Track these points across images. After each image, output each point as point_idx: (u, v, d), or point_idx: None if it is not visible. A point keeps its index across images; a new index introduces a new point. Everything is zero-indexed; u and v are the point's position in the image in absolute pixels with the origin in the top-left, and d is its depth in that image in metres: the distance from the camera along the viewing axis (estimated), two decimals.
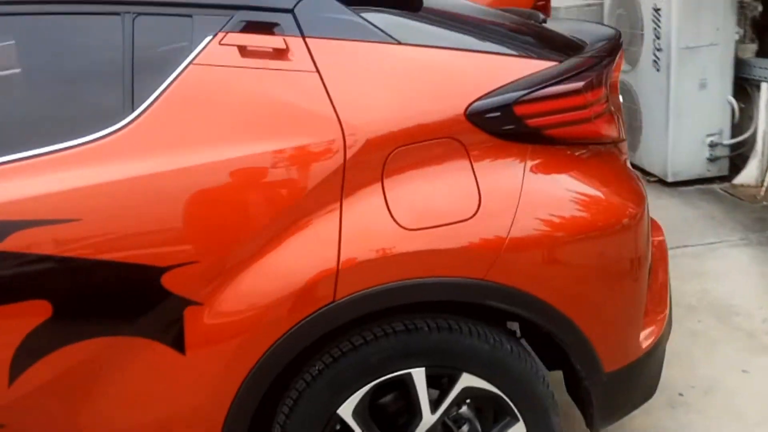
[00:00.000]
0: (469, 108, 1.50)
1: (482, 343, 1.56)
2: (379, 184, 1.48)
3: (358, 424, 1.54)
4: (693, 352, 2.65)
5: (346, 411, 1.53)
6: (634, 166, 4.65)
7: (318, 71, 1.48)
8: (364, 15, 1.56)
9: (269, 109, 1.48)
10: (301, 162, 1.46)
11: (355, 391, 1.53)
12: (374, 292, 1.46)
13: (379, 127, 1.48)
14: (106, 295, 1.44)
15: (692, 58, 4.19)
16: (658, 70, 4.33)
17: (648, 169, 4.56)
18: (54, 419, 1.51)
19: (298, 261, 1.45)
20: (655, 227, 2.11)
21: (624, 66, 4.56)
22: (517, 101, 1.51)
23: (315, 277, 1.44)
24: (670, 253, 3.39)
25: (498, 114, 1.51)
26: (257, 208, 1.47)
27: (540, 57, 1.63)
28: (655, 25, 4.29)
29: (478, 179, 1.52)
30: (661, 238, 2.13)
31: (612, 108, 1.70)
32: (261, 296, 1.44)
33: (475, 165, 1.52)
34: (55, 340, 1.42)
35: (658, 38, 4.28)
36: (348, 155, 1.45)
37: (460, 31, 1.75)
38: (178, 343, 1.44)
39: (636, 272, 1.68)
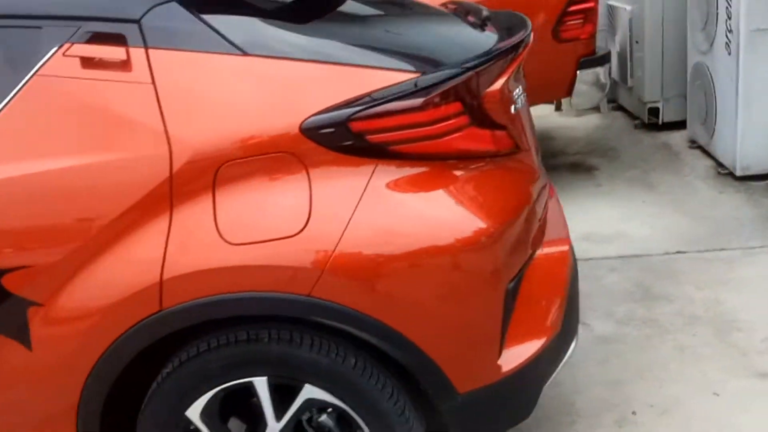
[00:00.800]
0: (304, 123, 1.53)
1: (323, 356, 1.64)
2: (210, 197, 1.55)
3: (206, 426, 1.70)
4: (670, 368, 2.52)
5: (193, 413, 1.69)
6: (709, 156, 4.32)
7: (153, 83, 1.54)
8: (216, 25, 1.59)
9: (104, 121, 1.56)
10: (129, 174, 1.54)
11: (200, 395, 1.67)
12: (198, 304, 1.56)
13: (208, 140, 1.53)
14: None
15: (764, 41, 3.80)
16: (729, 53, 3.97)
17: (721, 160, 4.21)
18: None
19: (125, 271, 1.56)
20: (560, 239, 2.03)
21: (702, 46, 4.27)
22: (352, 117, 1.53)
23: (140, 287, 1.56)
24: (702, 256, 3.24)
25: (333, 130, 1.54)
26: (86, 217, 1.57)
27: (397, 69, 1.60)
28: (727, 4, 3.92)
29: (312, 195, 1.55)
30: (563, 248, 2.03)
31: (485, 121, 1.67)
32: (93, 302, 1.58)
33: (312, 180, 1.56)
34: None
35: (729, 18, 3.92)
36: (174, 168, 1.52)
37: (329, 39, 1.73)
38: (25, 340, 1.61)
39: (486, 293, 1.66)
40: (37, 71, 1.58)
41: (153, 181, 1.54)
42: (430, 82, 1.57)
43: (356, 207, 1.56)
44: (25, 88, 1.58)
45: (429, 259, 1.59)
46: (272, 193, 1.57)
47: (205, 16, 1.61)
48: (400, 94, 1.55)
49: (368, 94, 1.56)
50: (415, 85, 1.56)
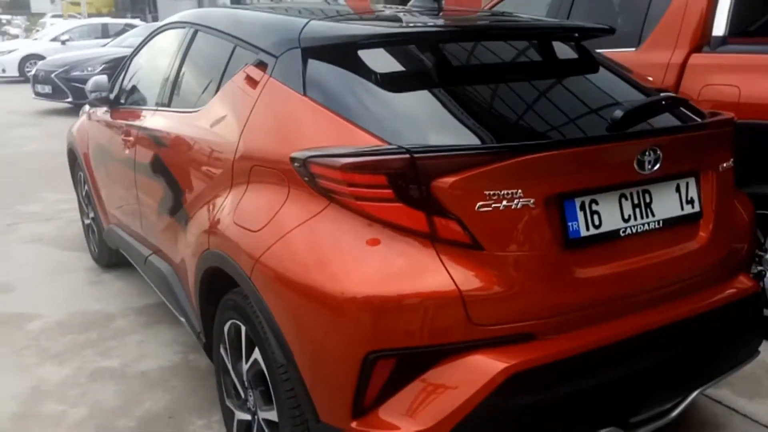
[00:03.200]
0: (292, 154, 2.00)
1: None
2: (244, 187, 2.19)
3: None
4: None
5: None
6: None
7: (256, 100, 2.24)
8: (309, 71, 2.12)
9: (229, 115, 2.39)
10: (220, 151, 2.38)
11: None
12: (226, 257, 2.22)
13: (252, 148, 2.19)
14: None
15: None
16: None
17: None
18: None
19: (208, 211, 2.40)
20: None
21: None
22: (309, 160, 1.88)
23: (206, 227, 2.38)
24: None
25: (299, 165, 1.94)
26: (210, 167, 2.44)
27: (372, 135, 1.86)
28: None
29: (281, 208, 2.03)
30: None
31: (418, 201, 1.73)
32: (200, 218, 2.46)
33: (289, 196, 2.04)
34: None
35: None
36: (235, 157, 2.25)
37: (364, 103, 2.04)
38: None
39: (341, 350, 1.77)
40: (231, 78, 2.45)
41: (227, 163, 2.29)
42: (365, 151, 1.78)
43: (297, 227, 1.91)
44: (223, 87, 2.50)
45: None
46: (263, 196, 2.08)
47: (309, 62, 2.10)
48: (340, 154, 1.80)
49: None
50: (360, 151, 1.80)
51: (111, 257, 4.36)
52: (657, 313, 1.96)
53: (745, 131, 2.56)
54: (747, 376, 2.89)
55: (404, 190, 1.73)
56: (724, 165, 2.15)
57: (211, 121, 2.49)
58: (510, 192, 1.73)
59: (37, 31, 24.42)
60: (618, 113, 1.92)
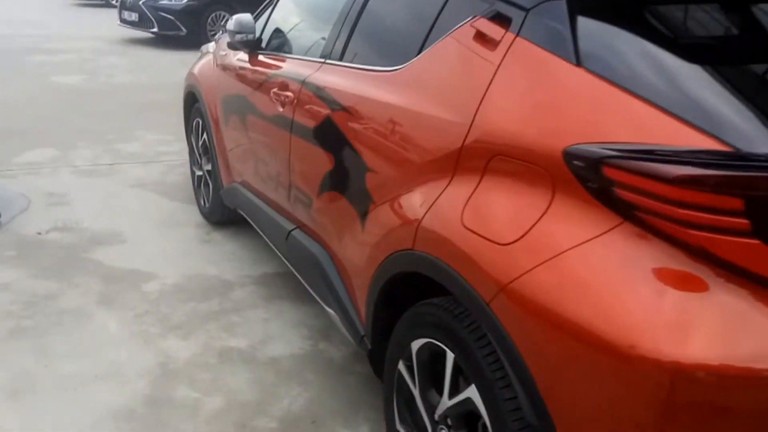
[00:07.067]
0: (567, 149, 1.46)
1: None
2: (477, 180, 1.70)
3: (417, 365, 1.98)
4: None
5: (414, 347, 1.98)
6: None
7: (498, 66, 1.68)
8: (579, 30, 1.55)
9: (449, 81, 1.88)
10: (438, 131, 1.83)
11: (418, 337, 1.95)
12: (424, 258, 1.88)
13: (497, 130, 1.65)
14: None
15: None
16: None
17: None
18: None
19: (407, 205, 2.01)
20: None
21: None
22: (605, 160, 1.39)
23: (408, 223, 2.00)
24: None
25: (584, 165, 1.45)
26: (414, 153, 1.97)
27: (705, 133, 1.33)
28: None
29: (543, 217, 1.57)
30: None
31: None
32: (393, 213, 2.06)
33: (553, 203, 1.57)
34: None
35: None
36: (466, 141, 1.71)
37: (678, 82, 1.48)
38: (363, 219, 2.24)
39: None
40: (451, 33, 1.92)
41: (451, 146, 1.76)
42: (711, 159, 1.28)
43: (573, 249, 1.42)
44: (436, 43, 1.97)
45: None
46: (511, 198, 1.59)
47: (579, 19, 1.57)
48: (661, 157, 1.31)
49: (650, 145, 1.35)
50: (696, 156, 1.29)
51: (223, 215, 4.03)
52: None
53: None
54: None
55: (760, 220, 1.25)
56: None
57: (422, 87, 1.98)
58: None
59: None
60: None
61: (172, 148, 5.58)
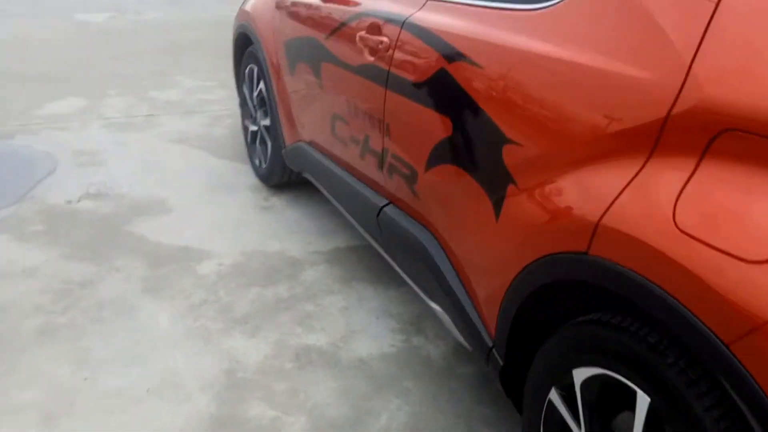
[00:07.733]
0: None
1: None
2: (693, 165, 1.23)
3: (582, 398, 1.49)
4: None
5: (577, 376, 1.50)
6: None
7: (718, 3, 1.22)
8: None
9: (637, 30, 1.35)
10: (629, 95, 1.32)
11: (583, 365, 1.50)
12: (614, 269, 1.38)
13: (728, 95, 1.17)
14: None
15: None
16: None
17: None
18: None
19: (574, 194, 1.48)
20: None
21: None
22: None
23: (578, 218, 1.46)
24: None
25: None
26: (581, 121, 1.44)
27: None
28: None
29: None
30: None
31: None
32: (543, 206, 1.55)
33: None
34: None
35: None
36: (674, 110, 1.23)
37: None
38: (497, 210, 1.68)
39: None
40: None
41: (648, 114, 1.28)
42: None
43: None
44: None
45: None
46: (754, 193, 1.13)
47: None
48: None
49: None
50: None
51: (282, 178, 3.50)
52: None
53: None
54: None
55: None
56: None
57: (588, 33, 1.46)
58: None
59: None
60: None
61: (215, 95, 5.02)
